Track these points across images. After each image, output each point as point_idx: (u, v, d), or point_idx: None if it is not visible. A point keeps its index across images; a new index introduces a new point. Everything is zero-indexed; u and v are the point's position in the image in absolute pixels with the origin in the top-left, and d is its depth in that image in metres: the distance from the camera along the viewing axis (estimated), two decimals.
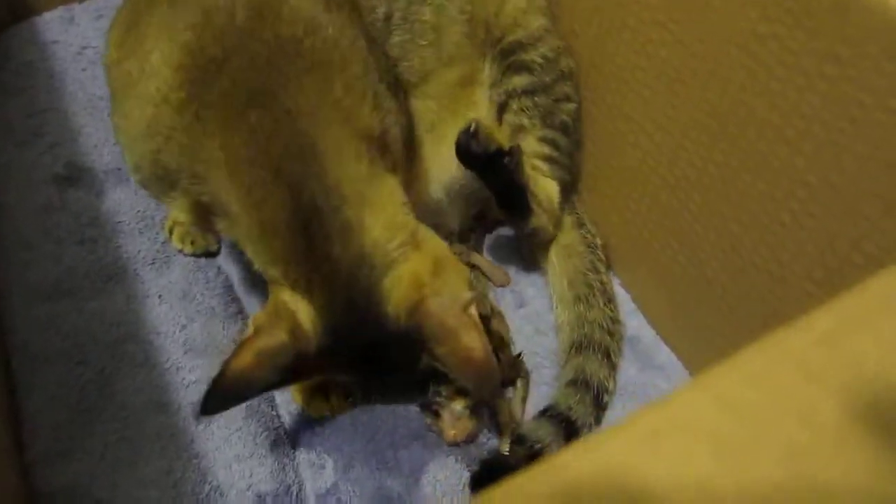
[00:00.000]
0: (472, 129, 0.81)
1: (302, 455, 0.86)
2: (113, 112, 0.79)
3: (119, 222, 0.97)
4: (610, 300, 0.97)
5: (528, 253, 1.04)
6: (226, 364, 0.65)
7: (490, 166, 0.84)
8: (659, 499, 0.30)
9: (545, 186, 0.94)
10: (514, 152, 0.85)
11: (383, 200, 0.69)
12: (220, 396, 0.67)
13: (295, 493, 0.83)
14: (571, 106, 0.96)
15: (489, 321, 0.94)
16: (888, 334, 0.35)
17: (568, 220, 1.00)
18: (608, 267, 1.00)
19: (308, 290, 0.67)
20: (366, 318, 0.67)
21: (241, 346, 0.66)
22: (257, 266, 0.70)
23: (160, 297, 0.93)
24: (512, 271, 1.03)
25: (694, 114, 0.80)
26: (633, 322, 0.99)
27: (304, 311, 0.67)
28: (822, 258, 0.72)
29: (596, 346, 0.92)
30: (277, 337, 0.66)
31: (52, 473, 0.79)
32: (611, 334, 0.94)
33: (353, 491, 0.83)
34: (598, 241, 1.00)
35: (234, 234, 0.71)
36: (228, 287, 0.97)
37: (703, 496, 0.30)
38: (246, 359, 0.65)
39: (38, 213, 0.96)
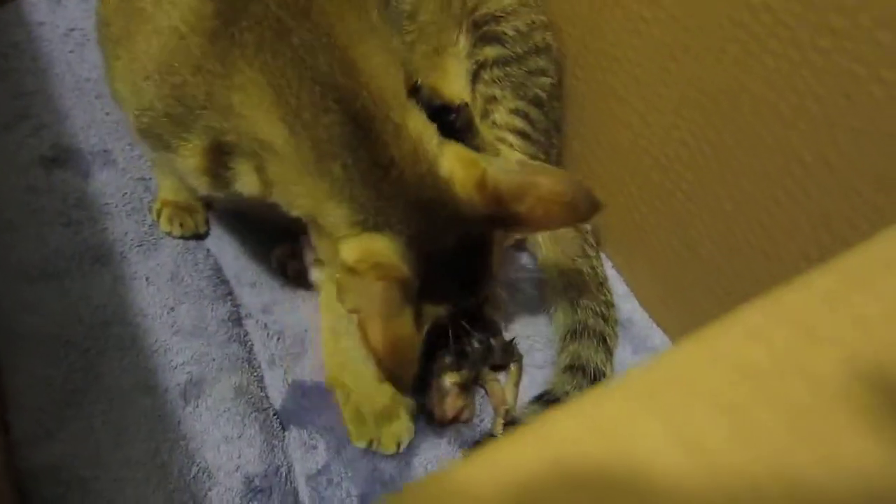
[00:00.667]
0: (416, 84, 0.77)
1: (293, 435, 0.85)
2: (114, 56, 0.74)
3: (106, 204, 0.96)
4: (602, 284, 0.96)
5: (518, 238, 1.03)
6: (379, 351, 0.63)
7: (437, 124, 0.82)
8: (655, 457, 0.30)
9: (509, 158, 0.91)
10: (461, 110, 0.82)
11: (413, 107, 0.69)
12: (402, 380, 0.66)
13: (284, 474, 0.82)
14: (546, 80, 0.95)
15: (482, 307, 0.94)
16: (889, 293, 0.35)
17: None
18: (599, 251, 1.00)
19: (378, 218, 0.65)
20: (443, 213, 0.66)
21: (367, 326, 0.63)
22: (307, 212, 0.67)
23: (147, 279, 0.91)
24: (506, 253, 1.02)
25: (686, 91, 0.80)
26: (627, 305, 0.98)
27: (385, 247, 0.65)
28: (816, 236, 0.72)
29: (591, 331, 0.92)
30: (381, 289, 0.63)
31: (36, 453, 0.78)
32: (605, 319, 0.93)
33: (345, 472, 0.82)
34: (588, 226, 0.99)
35: (273, 174, 0.67)
36: (217, 270, 0.96)
37: (700, 453, 0.29)
38: (381, 326, 0.63)
39: (23, 194, 0.94)
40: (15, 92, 1.02)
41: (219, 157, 0.69)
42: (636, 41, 0.84)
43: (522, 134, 0.93)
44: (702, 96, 0.78)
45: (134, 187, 0.99)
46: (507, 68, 0.92)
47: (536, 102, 0.94)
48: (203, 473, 0.79)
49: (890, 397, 0.31)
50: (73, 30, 1.10)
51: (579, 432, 0.31)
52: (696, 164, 0.82)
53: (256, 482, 0.80)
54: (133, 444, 0.80)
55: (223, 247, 0.98)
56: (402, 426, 0.83)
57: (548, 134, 0.97)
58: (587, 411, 0.32)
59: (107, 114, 1.02)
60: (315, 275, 0.90)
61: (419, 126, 0.68)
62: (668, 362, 0.33)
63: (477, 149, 0.83)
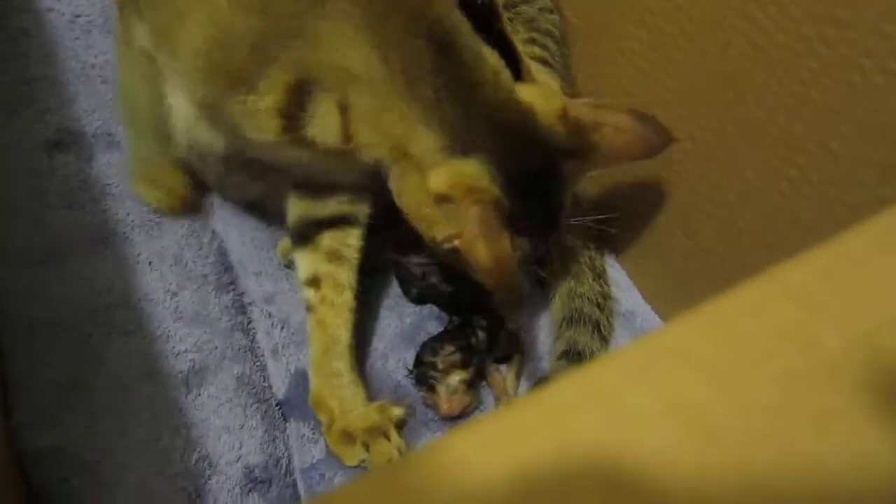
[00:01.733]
0: None
1: (293, 427, 0.85)
2: None
3: (107, 185, 0.96)
4: (599, 276, 0.96)
5: None
6: (489, 266, 0.64)
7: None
8: (650, 424, 0.30)
9: (542, 76, 0.88)
10: None
11: (481, 41, 0.69)
12: (512, 295, 0.68)
13: (284, 466, 0.82)
14: (555, 17, 0.94)
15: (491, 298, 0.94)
16: (886, 268, 0.35)
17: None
18: (599, 243, 0.99)
19: (468, 141, 0.66)
20: (527, 138, 0.68)
21: (472, 247, 0.64)
22: (396, 143, 0.67)
23: (150, 263, 0.91)
24: None
25: (691, 82, 0.80)
26: (629, 297, 0.98)
27: (476, 171, 0.66)
28: (819, 227, 0.72)
29: (586, 318, 0.92)
30: (479, 212, 0.64)
31: (38, 437, 0.78)
32: (600, 308, 0.94)
33: (340, 468, 0.82)
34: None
35: (362, 107, 0.67)
36: (222, 255, 0.95)
37: (696, 420, 0.29)
38: (487, 247, 0.64)
39: (26, 177, 0.94)
40: (22, 77, 1.03)
41: (297, 96, 0.68)
42: (642, 33, 0.84)
43: (543, 61, 0.91)
44: (706, 87, 0.78)
45: None
46: (516, 8, 0.91)
47: (550, 35, 0.93)
48: (204, 461, 0.80)
49: (886, 373, 0.31)
50: (78, 16, 1.10)
51: (572, 405, 0.31)
52: (701, 155, 0.82)
53: (256, 473, 0.80)
54: (135, 430, 0.80)
55: (229, 231, 0.98)
56: (392, 445, 0.81)
57: (568, 72, 0.95)
58: (580, 384, 0.32)
59: (111, 99, 1.02)
60: (309, 294, 0.89)
61: (495, 57, 0.69)
62: (663, 335, 0.33)
63: (507, 37, 0.81)
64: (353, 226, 0.88)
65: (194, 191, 0.97)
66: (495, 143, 0.66)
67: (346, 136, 0.69)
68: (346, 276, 0.87)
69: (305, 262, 0.89)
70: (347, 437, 0.81)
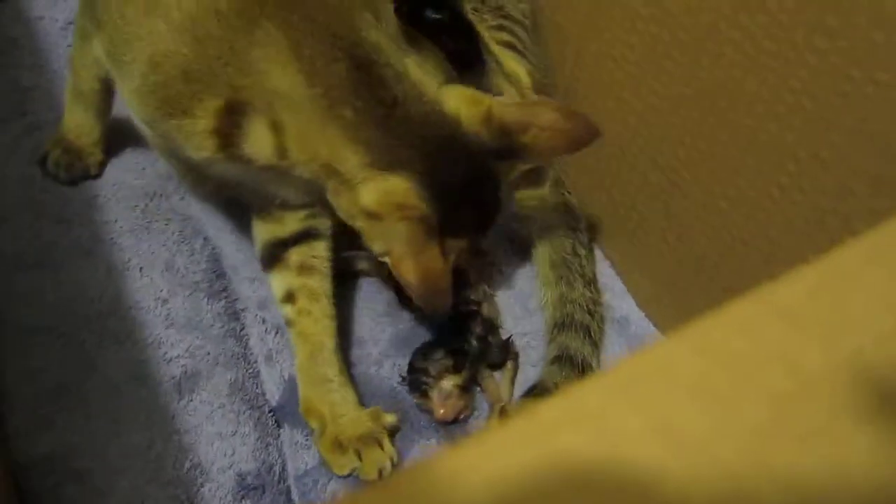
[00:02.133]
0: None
1: (286, 434, 0.85)
2: (119, 16, 0.72)
3: (95, 196, 0.96)
4: (590, 283, 0.96)
5: (514, 234, 1.03)
6: (415, 285, 0.70)
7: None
8: (636, 445, 0.30)
9: (509, 61, 0.91)
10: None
11: (410, 57, 0.73)
12: (439, 308, 0.73)
13: (278, 473, 0.82)
14: (524, 6, 0.95)
15: (481, 306, 0.94)
16: (875, 285, 0.35)
17: (552, 201, 0.99)
18: (591, 250, 1.00)
19: (391, 157, 0.68)
20: (453, 149, 0.70)
21: (399, 264, 0.70)
22: (324, 161, 0.70)
23: (141, 269, 0.91)
24: (499, 252, 1.02)
25: (683, 90, 0.80)
26: (623, 304, 0.98)
27: (402, 187, 0.69)
28: (811, 235, 0.72)
29: (577, 324, 0.92)
30: (404, 229, 0.68)
31: (31, 444, 0.78)
32: (591, 314, 0.94)
33: (333, 474, 0.82)
34: (582, 224, 0.99)
35: (290, 126, 0.70)
36: (214, 261, 0.96)
37: (682, 440, 0.30)
38: (413, 265, 0.69)
39: (17, 186, 0.95)
40: (12, 87, 1.03)
41: (231, 116, 0.70)
42: (634, 40, 0.84)
43: (511, 47, 0.92)
44: (698, 95, 0.78)
45: (124, 177, 0.99)
46: None
47: (519, 22, 0.94)
48: (196, 469, 0.80)
49: (873, 389, 0.31)
50: (71, 23, 1.10)
51: (562, 422, 0.31)
52: (693, 162, 0.82)
53: (249, 480, 0.80)
54: (128, 436, 0.80)
55: (223, 238, 0.98)
56: (385, 454, 0.82)
57: (541, 61, 0.95)
58: (570, 402, 0.32)
59: None
60: (286, 310, 0.89)
61: (418, 71, 0.72)
62: (652, 354, 0.33)
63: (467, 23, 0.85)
64: (317, 239, 0.90)
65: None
66: (421, 156, 0.69)
67: (281, 153, 0.71)
68: (319, 284, 0.88)
69: (278, 281, 0.91)
70: (339, 445, 0.81)
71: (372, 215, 0.70)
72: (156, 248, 0.94)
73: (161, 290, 0.91)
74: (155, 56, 0.70)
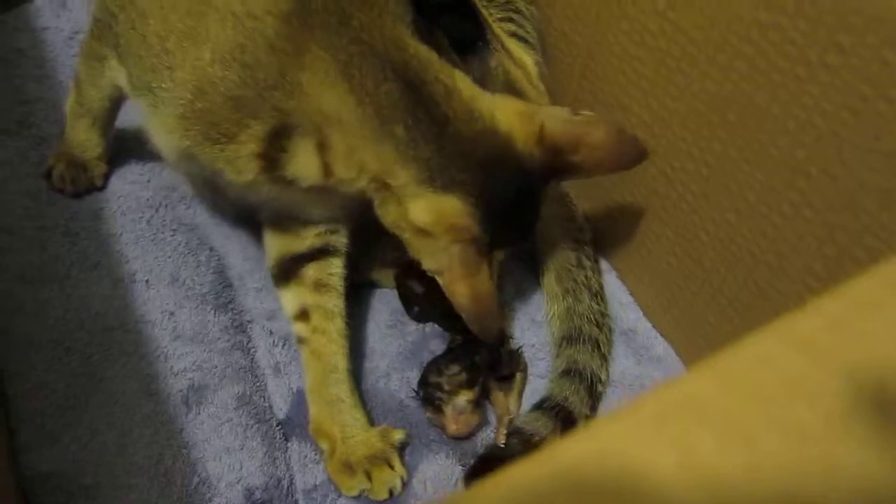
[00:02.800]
0: None
1: (294, 448, 0.85)
2: (169, 46, 0.71)
3: (101, 209, 0.96)
4: (596, 295, 0.96)
5: (520, 246, 1.02)
6: (468, 308, 0.71)
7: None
8: (662, 483, 0.30)
9: (516, 48, 0.90)
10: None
11: (460, 73, 0.72)
12: (490, 331, 0.74)
13: (286, 487, 0.82)
14: (533, 8, 0.95)
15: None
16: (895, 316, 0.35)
17: (558, 213, 0.99)
18: (596, 262, 0.99)
19: (444, 176, 0.68)
20: (506, 169, 0.70)
21: (453, 286, 0.71)
22: (375, 176, 0.70)
23: (147, 281, 0.91)
24: (507, 263, 1.02)
25: (693, 104, 0.80)
26: (630, 315, 0.98)
27: (456, 208, 0.69)
28: (821, 251, 0.72)
29: (585, 337, 0.92)
30: (459, 251, 0.69)
31: (38, 459, 0.78)
32: (599, 327, 0.94)
33: None
34: (587, 237, 0.99)
35: (339, 146, 0.70)
36: (220, 272, 0.95)
37: (708, 479, 0.29)
38: (467, 286, 0.70)
39: (22, 199, 0.95)
40: (18, 99, 1.03)
41: (276, 140, 0.71)
42: (643, 53, 0.84)
43: (520, 38, 0.92)
44: (708, 109, 0.78)
45: (129, 189, 0.99)
46: None
47: (527, 19, 0.94)
48: (203, 485, 0.79)
49: (894, 417, 0.31)
50: (77, 33, 1.10)
51: (590, 456, 0.31)
52: (702, 176, 0.82)
53: (257, 495, 0.80)
54: (136, 450, 0.80)
55: (230, 247, 0.98)
56: (395, 473, 0.81)
57: (542, 53, 0.95)
58: (599, 436, 0.32)
59: None
60: (298, 328, 0.89)
61: (470, 87, 0.71)
62: (679, 387, 0.33)
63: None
64: (334, 255, 0.89)
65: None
66: (474, 175, 0.69)
67: (327, 172, 0.72)
68: (335, 303, 0.88)
69: (291, 297, 0.90)
70: (348, 467, 0.81)
71: (424, 232, 0.70)
72: (162, 260, 0.94)
73: (167, 303, 0.90)
74: (202, 84, 0.70)
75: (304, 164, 0.72)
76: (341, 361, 0.86)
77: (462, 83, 0.71)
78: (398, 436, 0.83)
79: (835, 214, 0.69)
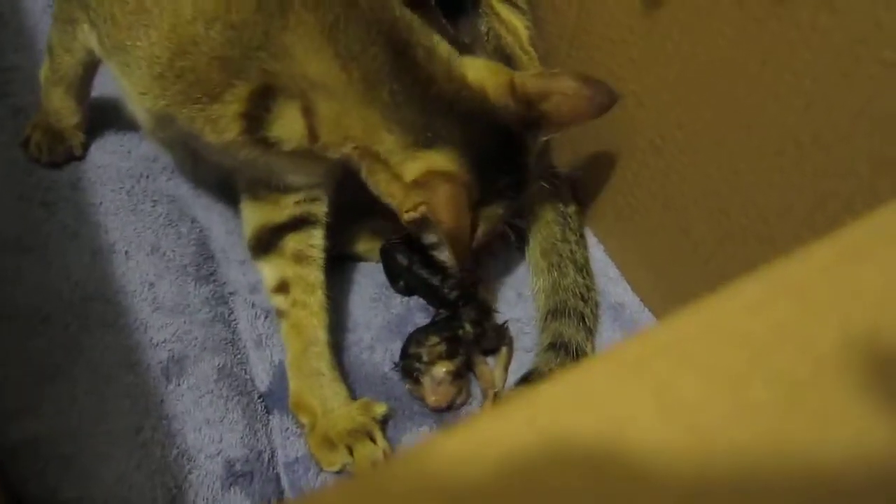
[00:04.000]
0: None
1: (275, 420, 0.84)
2: (146, 3, 0.69)
3: (79, 179, 0.94)
4: (582, 269, 0.95)
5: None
6: (447, 231, 0.71)
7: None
8: (644, 427, 0.28)
9: (506, 12, 0.90)
10: None
11: (434, 33, 0.74)
12: (460, 252, 0.74)
13: (266, 460, 0.81)
14: None
15: (477, 287, 0.93)
16: (889, 265, 0.34)
17: (542, 187, 0.97)
18: (582, 235, 0.98)
19: (431, 135, 0.70)
20: (483, 120, 0.73)
21: (437, 209, 0.70)
22: (361, 143, 0.71)
23: (126, 252, 0.89)
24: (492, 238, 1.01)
25: (683, 72, 0.78)
26: (618, 289, 0.97)
27: (444, 160, 0.71)
28: (811, 218, 0.70)
29: (570, 311, 0.91)
30: (448, 188, 0.69)
31: (15, 428, 0.76)
32: (584, 300, 0.93)
33: None
34: (571, 210, 0.98)
35: (325, 112, 0.70)
36: (202, 244, 0.94)
37: (692, 420, 0.28)
38: (451, 215, 0.70)
39: (0, 169, 0.93)
40: None
41: (260, 100, 0.70)
42: (632, 21, 0.83)
43: (508, 1, 0.91)
44: (698, 76, 0.77)
45: (110, 159, 0.97)
46: None
47: None
48: (183, 456, 0.78)
49: (888, 369, 0.30)
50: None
51: (565, 404, 0.30)
52: (691, 145, 0.81)
53: (237, 467, 0.79)
54: (115, 420, 0.79)
55: (212, 219, 0.96)
56: (377, 447, 0.80)
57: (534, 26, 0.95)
58: (573, 382, 0.30)
59: None
60: (278, 300, 0.87)
61: (446, 48, 0.73)
62: (659, 333, 0.32)
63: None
64: (314, 226, 0.88)
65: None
66: (458, 130, 0.71)
67: (312, 137, 0.71)
68: (315, 275, 0.86)
69: (271, 269, 0.88)
70: (328, 441, 0.80)
71: (416, 184, 0.71)
72: (142, 231, 0.92)
73: (147, 274, 0.89)
74: (182, 43, 0.68)
75: (288, 126, 0.71)
76: (321, 334, 0.84)
77: (440, 45, 0.72)
78: (380, 409, 0.82)
79: (826, 181, 0.68)
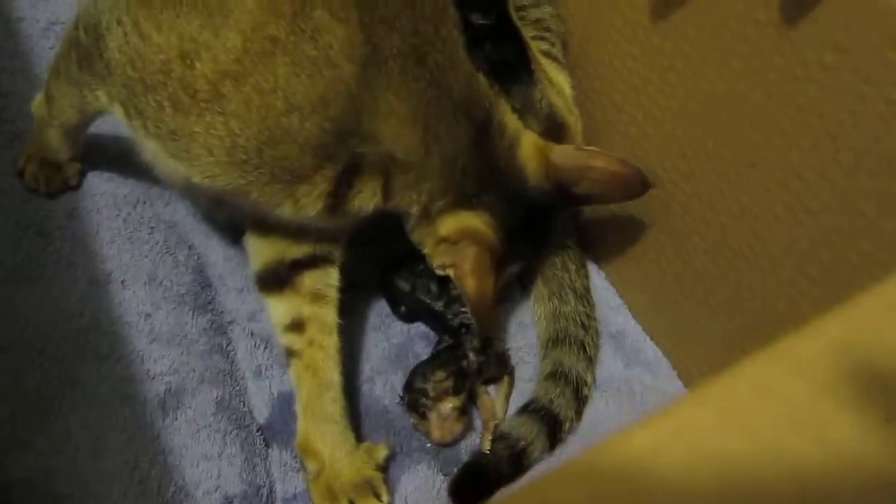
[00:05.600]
0: None
1: (274, 454, 0.83)
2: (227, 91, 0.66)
3: (75, 209, 0.93)
4: (582, 297, 0.94)
5: None
6: (472, 300, 0.72)
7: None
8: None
9: (553, 71, 0.89)
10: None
11: (504, 103, 0.76)
12: (487, 324, 0.76)
13: (265, 495, 0.80)
14: (561, 28, 0.93)
15: (493, 343, 0.92)
16: None
17: None
18: (583, 264, 0.97)
19: (475, 199, 0.73)
20: (520, 197, 0.75)
21: (463, 278, 0.72)
22: (418, 205, 0.73)
23: (123, 282, 0.88)
24: None
25: (686, 103, 0.78)
26: (619, 318, 0.96)
27: (480, 221, 0.73)
28: (816, 254, 0.70)
29: (571, 339, 0.90)
30: (476, 252, 0.72)
31: (10, 465, 0.75)
32: (585, 328, 0.92)
33: None
34: (573, 239, 0.97)
35: (400, 184, 0.72)
36: (199, 272, 0.93)
37: None
38: (476, 282, 0.71)
39: None
40: None
41: (345, 177, 0.71)
42: (635, 50, 0.82)
43: (552, 57, 0.90)
44: (702, 108, 0.76)
45: (106, 186, 0.96)
46: (524, 11, 0.90)
47: (559, 37, 0.92)
48: (180, 493, 0.77)
49: None
50: (54, 24, 1.07)
51: (578, 495, 0.29)
52: (694, 176, 0.80)
53: (236, 503, 0.78)
54: (111, 456, 0.78)
55: (210, 246, 0.95)
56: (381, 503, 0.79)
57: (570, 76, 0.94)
58: (583, 472, 0.30)
59: None
60: (290, 339, 0.85)
61: (514, 122, 0.76)
62: (672, 418, 0.31)
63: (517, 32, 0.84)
64: (331, 265, 0.86)
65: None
66: (497, 200, 0.74)
67: (385, 203, 0.74)
68: (332, 316, 0.85)
69: (284, 306, 0.85)
70: (332, 494, 0.78)
71: (446, 240, 0.73)
72: (139, 259, 0.91)
73: (144, 304, 0.88)
74: (274, 134, 0.67)
75: (367, 198, 0.73)
76: (337, 378, 0.82)
77: (509, 118, 0.75)
78: (383, 453, 0.81)
79: (830, 217, 0.67)
